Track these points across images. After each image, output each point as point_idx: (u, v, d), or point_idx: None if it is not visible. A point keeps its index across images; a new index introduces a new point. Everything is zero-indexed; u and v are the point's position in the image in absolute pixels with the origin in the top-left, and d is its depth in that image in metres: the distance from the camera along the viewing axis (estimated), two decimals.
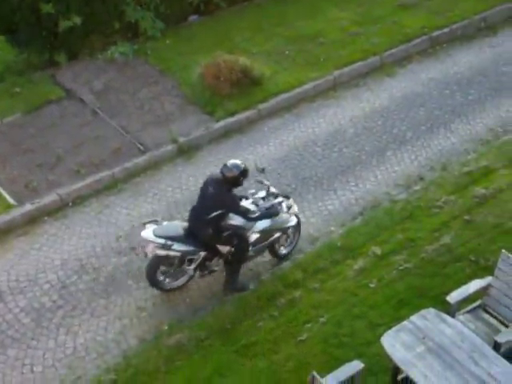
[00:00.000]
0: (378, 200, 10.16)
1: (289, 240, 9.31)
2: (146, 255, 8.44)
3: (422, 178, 10.56)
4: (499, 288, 7.56)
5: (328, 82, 12.61)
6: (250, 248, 8.68)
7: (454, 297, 7.49)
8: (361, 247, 9.22)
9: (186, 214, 8.80)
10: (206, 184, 8.46)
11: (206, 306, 8.63)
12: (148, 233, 8.33)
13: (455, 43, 13.84)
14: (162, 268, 8.58)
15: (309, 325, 8.20)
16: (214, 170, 9.63)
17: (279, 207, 8.69)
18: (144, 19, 13.42)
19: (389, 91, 12.53)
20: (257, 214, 8.52)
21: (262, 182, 9.00)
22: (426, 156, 11.02)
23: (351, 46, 13.42)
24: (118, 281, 8.98)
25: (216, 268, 8.78)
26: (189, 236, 8.41)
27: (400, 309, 8.23)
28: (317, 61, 13.02)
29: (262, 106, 11.96)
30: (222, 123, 11.63)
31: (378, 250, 9.10)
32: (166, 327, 8.33)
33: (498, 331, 7.33)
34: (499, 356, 6.60)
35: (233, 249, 8.49)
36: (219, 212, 8.28)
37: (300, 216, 9.40)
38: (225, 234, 8.46)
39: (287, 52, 13.27)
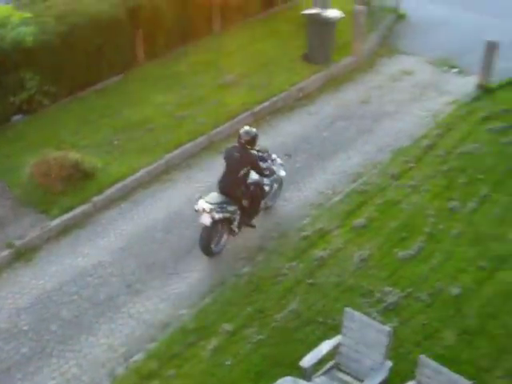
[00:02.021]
0: (224, 276, 10.30)
1: (273, 194, 11.72)
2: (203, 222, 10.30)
3: (263, 248, 10.85)
4: (348, 345, 7.85)
5: (160, 166, 12.77)
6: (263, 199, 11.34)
7: (307, 361, 7.69)
8: (212, 326, 9.26)
9: (29, 320, 8.53)
10: (228, 154, 10.75)
11: None
12: (202, 203, 10.35)
13: (277, 115, 14.54)
14: (214, 239, 10.61)
15: None
16: (56, 268, 10.06)
17: (277, 165, 11.46)
18: None
19: (220, 170, 12.81)
20: (267, 173, 11.10)
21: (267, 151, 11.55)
22: (263, 228, 11.34)
23: (179, 129, 13.71)
24: None
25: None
26: (227, 200, 10.55)
27: (258, 381, 8.31)
28: (147, 147, 13.16)
29: (96, 199, 11.86)
30: (57, 221, 11.40)
31: (229, 327, 9.18)
32: None
33: None
34: None
35: (251, 201, 10.98)
36: (246, 169, 10.62)
37: (150, 302, 9.70)
38: (251, 188, 10.90)
39: (116, 141, 13.33)
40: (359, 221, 11.36)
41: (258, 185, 11.10)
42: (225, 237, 10.88)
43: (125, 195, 12.17)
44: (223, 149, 13.16)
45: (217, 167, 12.76)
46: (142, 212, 11.78)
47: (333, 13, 16.11)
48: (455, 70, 16.90)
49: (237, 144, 10.72)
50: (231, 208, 10.60)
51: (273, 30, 17.99)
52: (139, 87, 15.12)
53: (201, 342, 9.03)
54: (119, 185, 12.22)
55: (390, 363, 7.85)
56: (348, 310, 7.88)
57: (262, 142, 13.35)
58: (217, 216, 10.31)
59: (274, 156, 11.54)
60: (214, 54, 16.53)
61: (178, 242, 11.03)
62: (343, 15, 16.24)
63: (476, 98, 15.44)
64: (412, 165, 12.91)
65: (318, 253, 10.59)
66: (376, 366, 7.70)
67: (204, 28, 17.21)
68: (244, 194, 10.83)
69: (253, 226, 11.20)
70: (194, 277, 10.35)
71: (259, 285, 9.99)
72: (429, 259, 10.61)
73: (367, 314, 8.97)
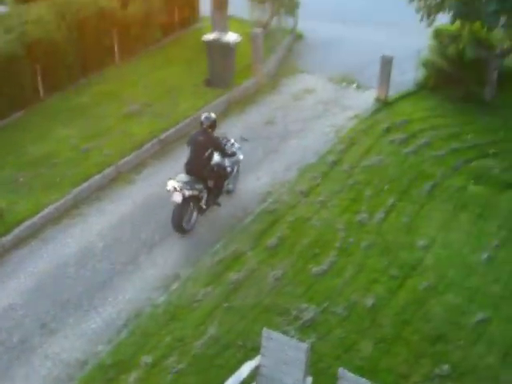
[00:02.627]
0: (140, 308, 10.18)
1: (234, 176, 12.80)
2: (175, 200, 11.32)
3: (178, 276, 10.81)
4: (268, 365, 7.90)
5: (69, 201, 12.54)
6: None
7: None
8: (131, 359, 9.11)
9: None
10: (192, 139, 11.94)
11: None
12: (172, 183, 11.39)
13: (183, 141, 14.45)
14: (185, 217, 11.56)
15: None
16: None
17: (235, 149, 12.56)
18: None
19: (130, 199, 12.77)
20: (229, 152, 12.30)
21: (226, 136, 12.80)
22: (177, 254, 11.34)
23: (85, 162, 13.51)
24: None
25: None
26: (195, 180, 11.59)
27: None
28: (54, 182, 12.90)
29: (4, 239, 11.52)
30: None
31: (148, 359, 9.07)
32: None
33: None
34: None
35: (216, 182, 12.05)
36: (209, 151, 11.78)
37: (66, 341, 9.61)
38: (215, 169, 11.99)
39: (22, 179, 13.01)
40: (272, 240, 11.50)
41: (221, 166, 12.26)
42: (194, 215, 11.88)
43: (34, 233, 11.87)
44: (131, 179, 13.27)
45: (127, 197, 12.75)
46: (53, 249, 11.52)
47: (232, 37, 16.32)
48: (354, 85, 17.41)
49: (199, 130, 11.96)
50: (199, 186, 11.67)
51: (174, 56, 18.07)
52: (42, 122, 14.84)
53: (121, 377, 8.88)
54: (28, 223, 11.91)
55: (310, 379, 7.95)
56: (266, 330, 7.94)
57: (170, 168, 13.48)
58: (187, 193, 11.37)
59: (232, 140, 12.74)
60: (117, 84, 16.45)
61: (91, 277, 10.84)
62: (241, 39, 16.45)
63: (376, 112, 15.97)
64: (319, 181, 13.19)
65: (233, 275, 10.64)
66: (297, 383, 7.78)
67: (105, 58, 17.10)
68: (209, 175, 11.92)
69: (219, 204, 12.38)
70: (109, 311, 10.17)
71: (176, 313, 9.92)
72: (342, 273, 10.83)
73: (285, 332, 9.12)
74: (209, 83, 16.48)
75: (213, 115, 12.09)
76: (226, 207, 12.47)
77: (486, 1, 14.46)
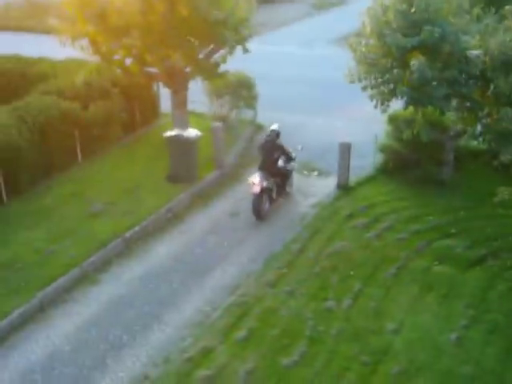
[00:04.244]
0: None
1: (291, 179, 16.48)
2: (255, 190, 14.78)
3: (147, 377, 10.61)
4: None
5: (34, 305, 12.33)
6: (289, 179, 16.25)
7: None
8: None
9: None
10: (263, 145, 15.80)
11: None
12: (252, 177, 15.09)
13: (149, 238, 14.57)
14: (261, 204, 14.98)
15: None
16: None
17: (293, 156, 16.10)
18: None
19: (96, 299, 12.62)
20: (292, 156, 16.05)
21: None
22: (146, 354, 11.15)
23: (50, 264, 13.36)
24: None
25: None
26: (267, 176, 15.19)
27: None
28: (18, 287, 12.74)
29: None
30: None
31: None
32: None
33: None
34: None
35: (281, 179, 15.83)
36: (277, 154, 15.58)
37: None
38: (280, 170, 15.70)
39: None
40: (241, 333, 11.42)
41: (284, 167, 15.87)
42: (267, 204, 15.30)
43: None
44: (97, 279, 13.17)
45: (93, 298, 12.61)
46: (18, 356, 11.26)
47: (192, 132, 16.61)
48: (316, 173, 17.73)
49: (267, 139, 15.70)
50: (271, 180, 15.24)
51: (136, 154, 18.30)
52: (5, 227, 14.70)
53: None
54: None
55: None
56: None
57: (137, 268, 13.45)
58: (264, 184, 14.90)
59: (290, 149, 16.06)
60: (81, 185, 16.53)
61: (58, 383, 10.61)
62: (202, 133, 16.75)
63: (338, 198, 16.27)
64: (285, 270, 13.24)
65: (204, 373, 10.50)
66: None
67: (68, 159, 17.23)
68: (277, 173, 15.55)
69: (287, 194, 16.23)
70: None
71: None
72: (313, 362, 10.77)
73: None
74: (171, 179, 16.64)
75: (277, 127, 15.76)
76: (194, 302, 12.41)
77: (436, 86, 15.02)
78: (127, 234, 14.43)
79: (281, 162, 15.74)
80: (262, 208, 15.03)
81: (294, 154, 16.12)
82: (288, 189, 16.26)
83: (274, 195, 15.53)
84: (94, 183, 16.60)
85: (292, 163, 16.15)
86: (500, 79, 14.35)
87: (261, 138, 16.20)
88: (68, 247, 13.92)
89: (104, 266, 13.60)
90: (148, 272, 13.38)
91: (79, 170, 17.38)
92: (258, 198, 14.87)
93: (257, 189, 14.76)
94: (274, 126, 15.79)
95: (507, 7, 15.27)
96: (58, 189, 16.34)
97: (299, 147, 16.37)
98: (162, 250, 14.18)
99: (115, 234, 14.34)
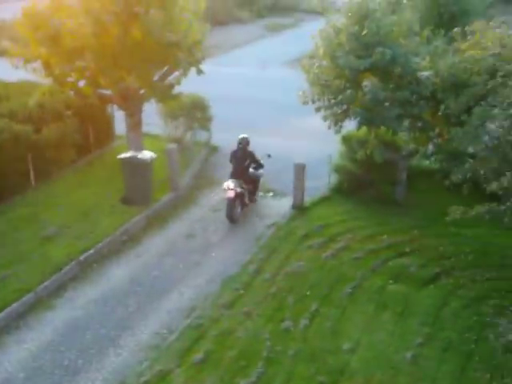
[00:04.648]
0: None
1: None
2: (229, 195, 15.76)
3: None
4: None
5: None
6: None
7: None
8: None
9: None
10: (234, 154, 16.65)
11: None
12: (227, 183, 15.94)
13: (104, 261, 14.42)
14: (234, 209, 15.93)
15: None
16: None
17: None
18: None
19: (51, 324, 12.42)
20: (262, 162, 16.91)
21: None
22: (102, 378, 11.02)
23: (3, 289, 13.13)
24: None
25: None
26: (240, 183, 16.08)
27: None
28: None
29: None
30: None
31: None
32: None
33: None
34: None
35: (252, 185, 16.80)
36: (248, 161, 16.48)
37: None
38: (251, 177, 16.61)
39: None
40: (198, 356, 11.37)
41: (254, 174, 16.84)
42: (239, 209, 16.28)
43: None
44: (52, 304, 12.97)
45: (47, 323, 12.41)
46: None
47: (147, 154, 16.56)
48: (271, 193, 17.81)
49: (238, 148, 16.54)
50: (243, 187, 16.13)
51: (90, 176, 18.16)
52: None
53: None
54: None
55: None
56: None
57: (92, 292, 13.30)
58: (238, 190, 15.90)
59: (259, 156, 16.87)
60: (34, 208, 16.30)
61: None
62: (156, 155, 16.72)
63: (293, 218, 16.35)
64: (242, 291, 13.23)
65: None
66: None
67: (21, 183, 16.97)
68: (248, 180, 16.48)
69: (256, 201, 17.15)
70: None
71: None
72: (270, 383, 10.75)
73: None
74: (126, 201, 16.55)
75: (246, 136, 16.54)
76: (150, 325, 12.32)
77: (388, 107, 15.28)
78: (82, 257, 14.27)
79: (251, 170, 16.71)
80: (234, 212, 15.99)
81: (262, 161, 16.89)
82: (256, 195, 17.24)
83: (246, 200, 16.45)
84: (48, 206, 16.39)
85: (261, 170, 17.01)
86: (450, 100, 14.67)
87: (230, 148, 17.00)
88: (21, 272, 13.68)
89: (59, 290, 13.41)
90: (104, 295, 13.24)
91: (33, 193, 17.12)
92: (231, 203, 15.84)
93: (231, 194, 15.74)
94: (244, 135, 16.59)
95: (456, 29, 15.66)
96: (10, 213, 16.07)
97: (267, 155, 17.16)
98: (118, 273, 14.05)
99: (70, 257, 14.17)
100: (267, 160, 17.16)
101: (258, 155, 16.83)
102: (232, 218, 15.99)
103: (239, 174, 16.34)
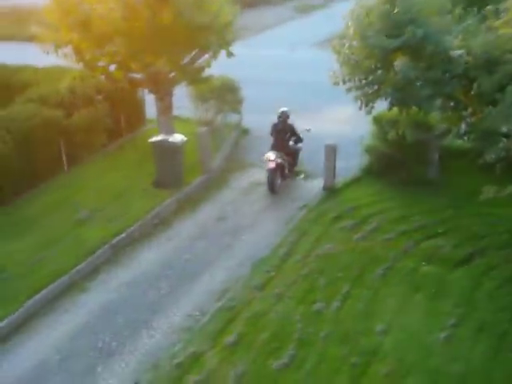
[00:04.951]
0: None
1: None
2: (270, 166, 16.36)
3: (137, 383, 10.61)
4: None
5: (21, 314, 12.29)
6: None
7: None
8: None
9: None
10: (275, 127, 17.14)
11: None
12: (268, 155, 16.48)
13: (136, 245, 14.53)
14: (275, 179, 16.55)
15: None
16: None
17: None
18: None
19: (86, 307, 12.58)
20: (301, 136, 17.38)
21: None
22: (136, 360, 11.13)
23: (38, 272, 13.30)
24: None
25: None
26: (280, 154, 16.61)
27: None
28: (5, 297, 12.68)
29: None
30: None
31: None
32: None
33: None
34: None
35: (292, 157, 17.32)
36: (288, 134, 17.06)
37: None
38: (291, 150, 17.15)
39: None
40: (230, 338, 11.41)
41: (294, 147, 17.33)
42: (279, 180, 16.80)
43: None
44: (85, 287, 13.10)
45: (81, 306, 12.57)
46: (7, 367, 11.19)
47: (177, 137, 16.61)
48: (302, 176, 17.75)
49: (278, 121, 17.05)
50: (283, 158, 16.61)
51: (122, 160, 18.27)
52: None
53: None
54: None
55: None
56: None
57: (125, 275, 13.41)
58: (279, 160, 16.42)
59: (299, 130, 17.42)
60: (67, 192, 16.48)
61: None
62: (187, 138, 16.75)
63: (324, 200, 16.27)
64: (273, 274, 13.24)
65: (194, 378, 10.49)
66: None
67: (53, 167, 17.17)
68: (288, 152, 16.97)
69: (295, 174, 17.59)
70: None
71: None
72: (303, 365, 10.79)
73: None
74: (158, 184, 16.63)
75: (286, 109, 17.10)
76: (182, 308, 12.40)
77: (420, 86, 15.09)
78: (114, 241, 14.39)
79: (291, 142, 17.19)
80: (275, 183, 16.51)
81: (302, 135, 17.32)
82: (296, 167, 17.73)
83: (286, 172, 16.93)
84: (81, 190, 16.56)
85: (300, 144, 17.43)
86: (483, 78, 14.43)
87: (272, 121, 17.39)
88: (56, 255, 13.86)
89: (92, 273, 13.56)
90: (136, 279, 13.35)
91: (65, 177, 17.33)
92: (272, 174, 16.40)
93: (272, 165, 16.26)
94: (284, 108, 17.12)
95: (488, 7, 15.37)
96: (43, 197, 16.28)
97: (307, 129, 17.48)
98: (150, 257, 14.15)
99: (103, 240, 14.30)
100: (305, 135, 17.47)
101: (298, 129, 17.27)
102: (273, 189, 16.51)
103: (280, 146, 16.82)
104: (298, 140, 17.36)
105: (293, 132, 17.15)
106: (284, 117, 16.97)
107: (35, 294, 12.75)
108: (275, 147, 16.80)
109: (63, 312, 12.54)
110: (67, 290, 13.12)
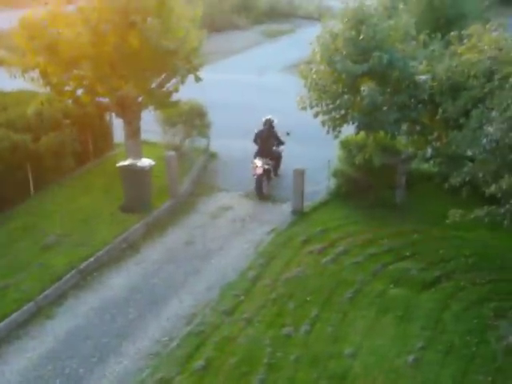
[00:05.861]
0: None
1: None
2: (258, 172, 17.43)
3: None
4: None
5: None
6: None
7: None
8: None
9: None
10: (260, 133, 18.36)
11: None
12: (256, 161, 17.51)
13: (104, 269, 14.41)
14: (262, 184, 17.58)
15: None
16: None
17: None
18: None
19: (53, 333, 12.41)
20: (283, 141, 18.66)
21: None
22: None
23: (2, 300, 13.10)
24: None
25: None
26: (266, 160, 17.78)
27: None
28: None
29: None
30: None
31: None
32: None
33: None
34: None
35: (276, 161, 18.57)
36: (272, 140, 18.22)
37: None
38: (274, 154, 18.32)
39: None
40: (199, 363, 11.37)
41: (277, 151, 18.59)
42: (266, 183, 17.84)
43: None
44: (52, 313, 12.92)
45: (48, 333, 12.38)
46: None
47: (145, 162, 16.57)
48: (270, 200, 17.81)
49: (263, 128, 18.35)
50: (269, 163, 17.78)
51: (89, 185, 18.14)
52: None
53: None
54: None
55: None
56: None
57: (93, 300, 13.27)
58: (266, 166, 17.58)
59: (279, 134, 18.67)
60: (33, 217, 16.28)
61: None
62: (155, 163, 16.72)
63: (293, 224, 16.35)
64: (242, 298, 13.23)
65: None
66: None
67: (20, 192, 16.97)
68: (272, 156, 18.15)
69: (278, 175, 18.85)
70: None
71: None
72: None
73: None
74: (126, 209, 16.54)
75: (270, 116, 18.49)
76: (150, 333, 12.30)
77: (386, 111, 15.29)
78: (82, 265, 14.26)
79: (275, 147, 18.49)
80: (263, 187, 17.64)
81: (283, 139, 18.67)
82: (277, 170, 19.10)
83: (272, 175, 18.35)
84: (48, 215, 16.39)
85: (282, 147, 18.84)
86: (448, 103, 14.70)
87: (257, 128, 18.57)
88: (21, 281, 13.67)
89: (60, 299, 13.40)
90: (104, 304, 13.22)
91: (32, 202, 17.12)
92: (260, 179, 17.55)
93: (260, 171, 17.44)
94: (269, 116, 18.55)
95: (452, 33, 15.69)
96: (10, 223, 16.05)
97: (287, 132, 18.68)
98: (118, 281, 14.03)
99: (70, 265, 14.15)
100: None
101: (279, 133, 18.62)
102: (261, 193, 17.60)
103: (265, 152, 18.01)
104: (280, 143, 18.67)
105: (276, 137, 18.45)
106: (268, 124, 18.34)
107: (0, 321, 12.55)
108: (261, 153, 17.92)
109: (29, 339, 12.34)
110: (33, 317, 12.93)
